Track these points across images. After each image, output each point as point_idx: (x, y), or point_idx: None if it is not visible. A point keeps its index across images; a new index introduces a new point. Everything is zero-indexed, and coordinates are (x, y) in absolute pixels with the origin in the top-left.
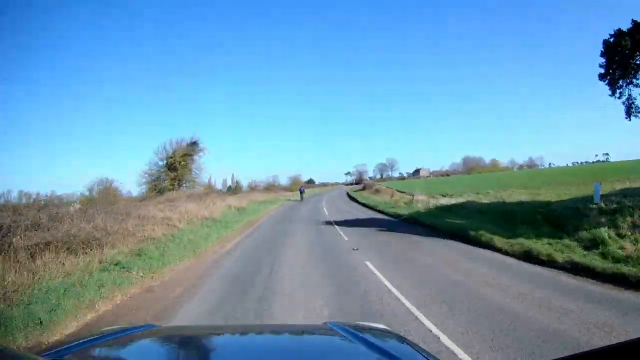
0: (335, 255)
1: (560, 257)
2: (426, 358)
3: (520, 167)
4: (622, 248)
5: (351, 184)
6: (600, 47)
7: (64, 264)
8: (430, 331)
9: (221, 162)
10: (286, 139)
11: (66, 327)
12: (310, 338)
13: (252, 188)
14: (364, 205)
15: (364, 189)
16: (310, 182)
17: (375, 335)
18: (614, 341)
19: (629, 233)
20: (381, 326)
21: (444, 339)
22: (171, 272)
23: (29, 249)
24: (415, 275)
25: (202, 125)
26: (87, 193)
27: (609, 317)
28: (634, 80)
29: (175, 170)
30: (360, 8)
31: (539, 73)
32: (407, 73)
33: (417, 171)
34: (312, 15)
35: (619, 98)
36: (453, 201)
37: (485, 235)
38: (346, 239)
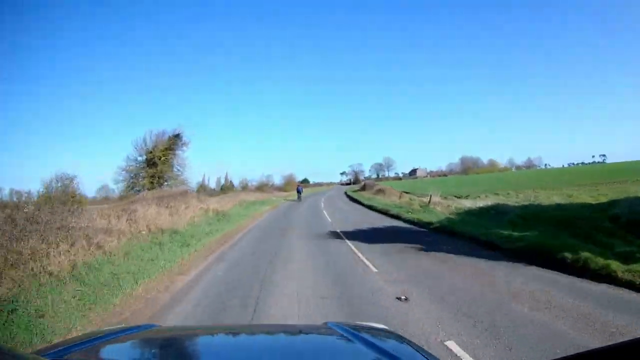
0: (373, 317)
1: None
2: (426, 358)
3: (518, 167)
4: None
5: (347, 183)
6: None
7: None
8: None
9: (215, 162)
10: (281, 138)
11: None
12: (310, 338)
13: (244, 187)
14: (370, 208)
15: (363, 189)
16: (305, 181)
17: (375, 335)
18: None
19: None
20: (381, 326)
21: None
22: None
23: None
24: None
25: (198, 126)
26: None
27: None
28: None
29: (155, 166)
30: (358, 8)
31: (538, 73)
32: (403, 73)
33: (413, 171)
34: (308, 14)
35: None
36: (480, 204)
37: (595, 260)
38: (373, 268)
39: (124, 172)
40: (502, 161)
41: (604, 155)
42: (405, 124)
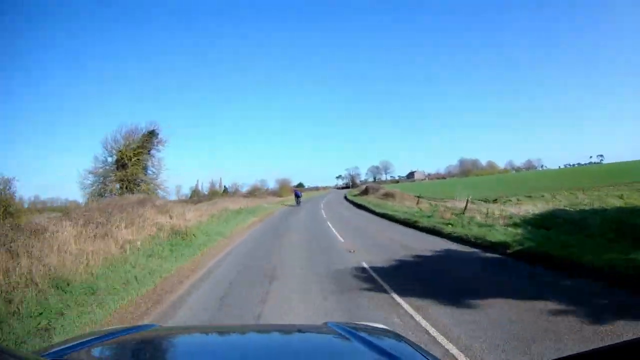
0: None
1: None
2: (425, 357)
3: (518, 169)
4: None
5: (343, 187)
6: None
7: None
8: None
9: (212, 167)
10: (275, 142)
11: None
12: (310, 338)
13: (233, 193)
14: (385, 217)
15: (366, 192)
16: (300, 186)
17: (374, 335)
18: None
19: None
20: (380, 326)
21: None
22: None
23: None
24: None
25: (194, 127)
26: None
27: None
28: None
29: (124, 168)
30: (354, 9)
31: (536, 74)
32: (398, 75)
33: (411, 174)
34: (303, 16)
35: None
36: (533, 210)
37: None
38: None
39: (91, 175)
40: (500, 163)
41: (601, 156)
42: (401, 127)
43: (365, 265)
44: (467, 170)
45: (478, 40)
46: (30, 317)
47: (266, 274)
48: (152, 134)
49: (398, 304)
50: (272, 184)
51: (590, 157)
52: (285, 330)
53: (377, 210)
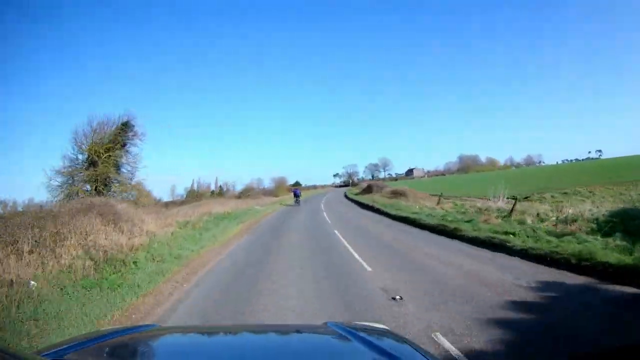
0: None
1: None
2: (425, 358)
3: (518, 165)
4: None
5: (340, 185)
6: None
7: None
8: None
9: (207, 166)
10: (271, 141)
11: None
12: (310, 338)
13: (221, 193)
14: (405, 221)
15: (369, 191)
16: (297, 184)
17: (374, 335)
18: None
19: None
20: (381, 326)
21: None
22: None
23: None
24: None
25: (193, 127)
26: None
27: None
28: None
29: (95, 166)
30: (351, 8)
31: (534, 70)
32: (395, 73)
33: (410, 171)
34: (300, 15)
35: None
36: (594, 209)
37: None
38: None
39: (60, 175)
40: (500, 159)
41: (599, 151)
42: (399, 124)
43: (446, 344)
44: (467, 166)
45: (477, 39)
46: None
47: None
48: (126, 126)
49: None
50: (268, 183)
51: (589, 152)
52: (285, 330)
53: (391, 212)
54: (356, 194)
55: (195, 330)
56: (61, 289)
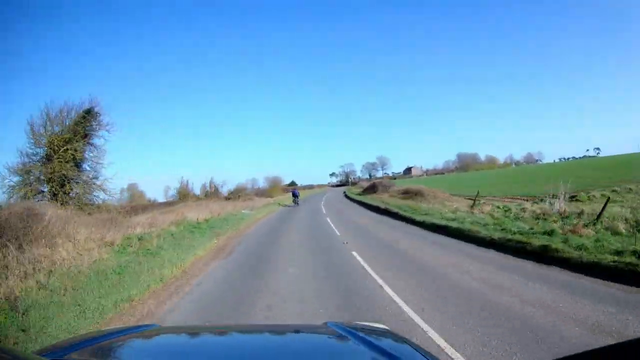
0: None
1: None
2: (425, 358)
3: (518, 163)
4: None
5: (338, 185)
6: None
7: None
8: None
9: (203, 166)
10: (267, 141)
11: None
12: (310, 338)
13: (207, 195)
14: (444, 231)
15: (373, 190)
16: (292, 184)
17: (375, 335)
18: None
19: None
20: (381, 326)
21: None
22: None
23: None
24: None
25: (192, 127)
26: None
27: None
28: None
29: (51, 162)
30: (348, 7)
31: (533, 69)
32: (391, 74)
33: (408, 170)
34: (296, 14)
35: None
36: None
37: None
38: None
39: (15, 173)
40: (499, 157)
41: (598, 149)
42: (395, 123)
43: None
44: (466, 165)
45: (475, 37)
46: None
47: None
48: (89, 114)
49: None
50: (263, 183)
51: (587, 150)
52: (285, 330)
53: (416, 217)
54: (359, 194)
55: (195, 330)
56: None
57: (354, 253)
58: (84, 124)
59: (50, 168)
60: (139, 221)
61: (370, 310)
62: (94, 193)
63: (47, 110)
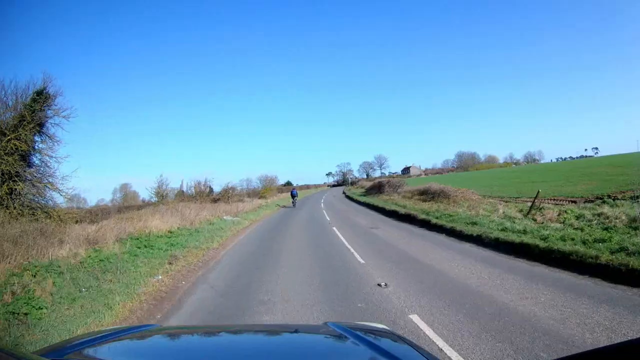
0: None
1: None
2: (425, 358)
3: (517, 162)
4: None
5: (334, 185)
6: None
7: None
8: None
9: (198, 166)
10: (262, 141)
11: None
12: (310, 338)
13: (195, 195)
14: (525, 253)
15: (379, 190)
16: (288, 184)
17: (375, 335)
18: None
19: None
20: (381, 326)
21: None
22: None
23: None
24: None
25: (179, 130)
26: None
27: None
28: None
29: None
30: (345, 7)
31: (531, 67)
32: (387, 72)
33: (406, 169)
34: (293, 13)
35: None
36: None
37: None
38: None
39: None
40: (499, 156)
41: (596, 149)
42: (392, 122)
43: None
44: (465, 164)
45: (473, 36)
46: None
47: None
48: (41, 96)
49: None
50: (257, 183)
51: (585, 149)
52: (286, 330)
53: (461, 227)
54: (362, 195)
55: (195, 330)
56: None
57: (430, 333)
58: (35, 108)
59: None
60: (79, 234)
61: None
62: (49, 193)
63: None
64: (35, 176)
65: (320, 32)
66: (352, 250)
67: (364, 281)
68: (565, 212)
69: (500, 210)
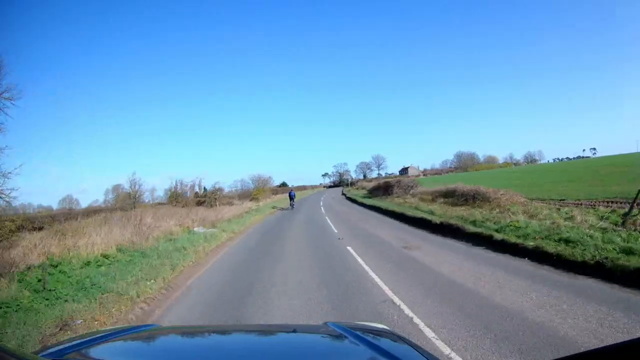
0: None
1: None
2: (425, 358)
3: (517, 163)
4: None
5: (331, 186)
6: None
7: None
8: None
9: (194, 166)
10: (258, 141)
11: None
12: (310, 338)
13: (175, 199)
14: None
15: (387, 192)
16: (283, 185)
17: (375, 335)
18: None
19: None
20: (381, 326)
21: None
22: None
23: None
24: None
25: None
26: None
27: None
28: None
29: None
30: (343, 7)
31: (530, 67)
32: (385, 72)
33: (404, 169)
34: (291, 13)
35: None
36: None
37: None
38: None
39: None
40: (499, 156)
41: (594, 149)
42: (391, 122)
43: None
44: (465, 164)
45: (473, 36)
46: None
47: None
48: None
49: None
50: (251, 184)
51: (583, 150)
52: (286, 330)
53: (565, 253)
54: (365, 197)
55: (194, 330)
56: None
57: None
58: None
59: None
60: None
61: None
62: None
63: None
64: None
65: (320, 32)
66: (410, 314)
67: None
68: None
69: (578, 218)
